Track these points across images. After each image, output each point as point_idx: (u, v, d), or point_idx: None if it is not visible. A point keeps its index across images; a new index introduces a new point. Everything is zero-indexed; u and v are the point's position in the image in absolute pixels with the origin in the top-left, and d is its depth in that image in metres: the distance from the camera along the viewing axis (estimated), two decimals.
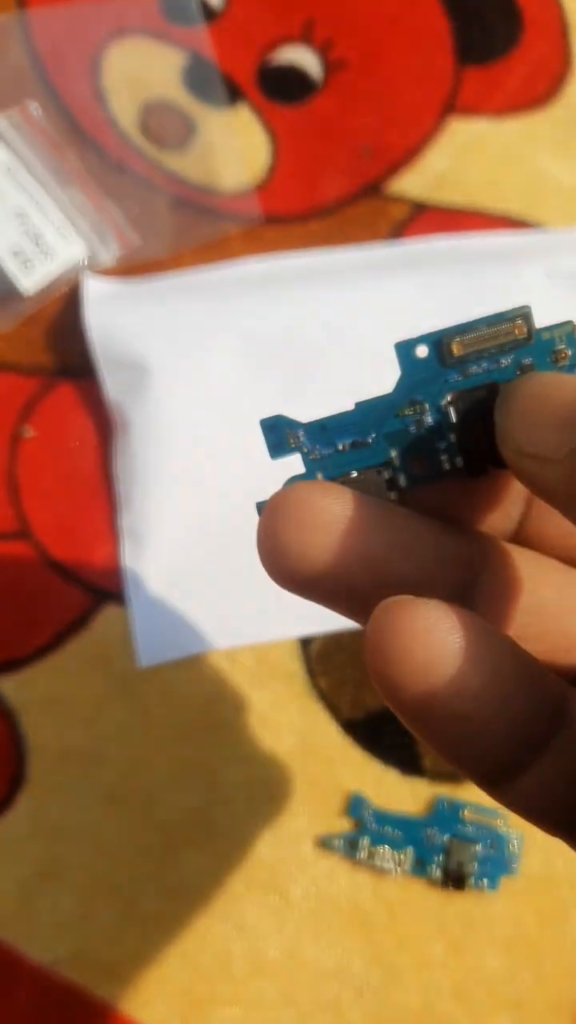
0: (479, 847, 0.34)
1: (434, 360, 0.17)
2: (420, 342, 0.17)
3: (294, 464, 0.17)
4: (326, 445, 0.17)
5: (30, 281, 0.37)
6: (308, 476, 0.17)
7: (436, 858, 0.34)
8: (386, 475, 0.17)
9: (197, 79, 0.40)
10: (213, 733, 0.35)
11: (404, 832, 0.35)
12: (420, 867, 0.34)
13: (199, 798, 0.34)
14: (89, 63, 0.40)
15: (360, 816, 0.35)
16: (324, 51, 0.41)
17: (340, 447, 0.17)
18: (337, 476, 0.17)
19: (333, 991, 0.34)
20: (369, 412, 0.17)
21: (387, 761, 0.35)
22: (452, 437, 0.17)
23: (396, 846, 0.34)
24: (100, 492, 0.36)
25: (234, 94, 0.40)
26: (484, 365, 0.17)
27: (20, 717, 0.35)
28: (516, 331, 0.16)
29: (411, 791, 0.35)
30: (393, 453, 0.17)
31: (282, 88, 0.40)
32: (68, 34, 0.41)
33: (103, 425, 0.37)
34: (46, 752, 0.34)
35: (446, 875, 0.34)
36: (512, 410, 0.15)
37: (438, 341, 0.16)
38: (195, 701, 0.35)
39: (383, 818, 0.35)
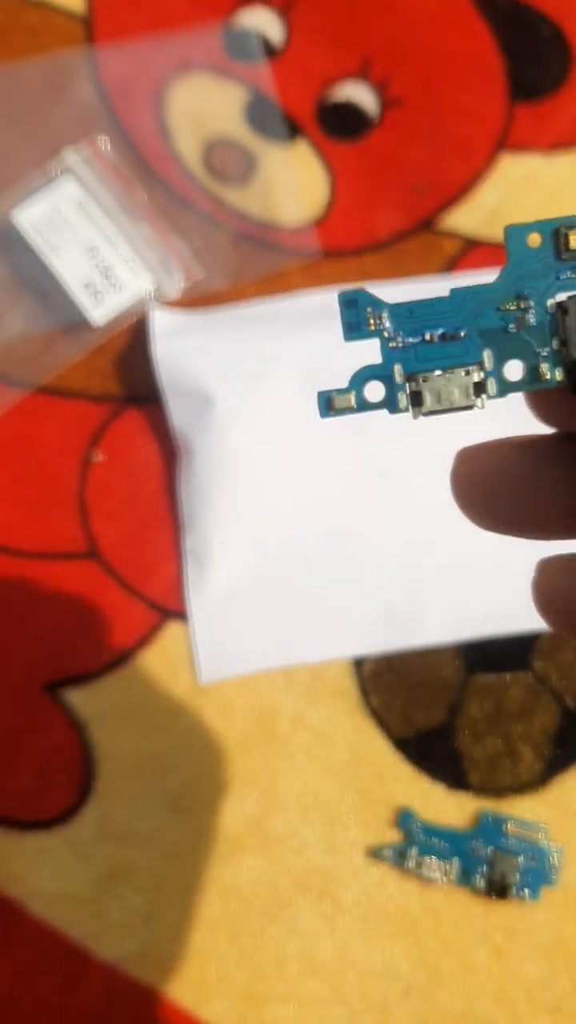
0: (521, 859, 0.36)
1: (549, 251, 0.15)
2: (534, 228, 0.15)
3: (368, 352, 0.15)
4: (412, 333, 0.15)
5: (100, 312, 0.39)
6: (386, 367, 0.15)
7: (480, 869, 0.36)
8: (475, 377, 0.15)
9: (258, 115, 0.42)
10: (270, 746, 0.37)
11: (450, 844, 0.36)
12: (465, 877, 0.36)
13: (257, 807, 0.36)
14: (154, 99, 0.42)
15: (409, 828, 0.36)
16: (381, 88, 0.42)
17: (427, 337, 0.15)
18: (419, 371, 0.15)
19: (381, 992, 0.36)
20: (466, 301, 0.15)
21: (435, 777, 0.37)
22: (555, 344, 0.15)
23: (442, 857, 0.36)
24: (164, 514, 0.38)
25: (294, 130, 0.42)
26: None
27: (90, 728, 0.37)
28: None
29: (457, 805, 0.37)
30: (487, 353, 0.15)
31: (340, 124, 0.42)
32: (134, 70, 0.42)
33: (168, 450, 0.39)
34: (114, 761, 0.37)
35: (490, 885, 0.36)
36: None
37: (556, 230, 0.15)
38: (253, 715, 0.37)
39: (431, 831, 0.36)
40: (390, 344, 0.15)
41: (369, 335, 0.15)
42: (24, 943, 0.35)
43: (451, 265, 0.41)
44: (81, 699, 0.37)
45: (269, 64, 0.42)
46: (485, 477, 0.17)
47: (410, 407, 0.15)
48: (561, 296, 0.15)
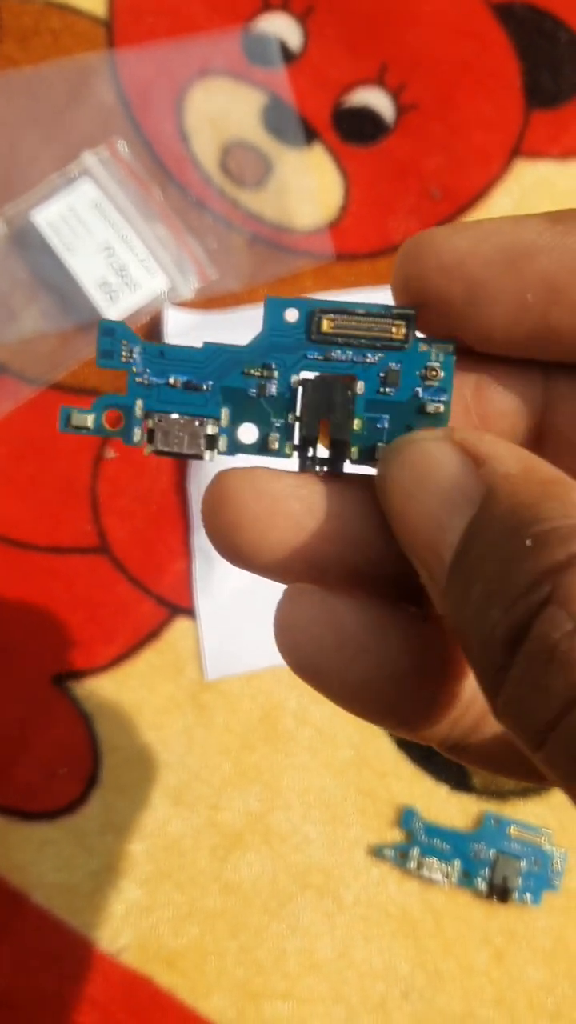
0: (524, 863, 0.36)
1: (301, 329, 0.15)
2: (293, 304, 0.16)
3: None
4: (158, 374, 0.16)
5: (115, 311, 0.39)
6: (129, 399, 0.16)
7: (482, 871, 0.36)
8: (209, 430, 0.16)
9: (275, 119, 0.42)
10: (274, 743, 0.37)
11: (452, 845, 0.36)
12: (467, 879, 0.36)
13: (259, 803, 0.37)
14: (174, 102, 0.43)
15: (411, 828, 0.36)
16: (397, 94, 0.42)
17: (171, 381, 0.16)
18: (156, 410, 0.16)
19: (380, 992, 0.36)
20: (215, 357, 0.16)
21: (438, 777, 0.37)
22: (290, 418, 0.16)
23: (444, 858, 0.36)
24: (175, 512, 0.39)
25: (310, 134, 0.42)
26: (349, 354, 0.15)
27: (95, 721, 0.37)
28: (394, 331, 0.15)
29: (460, 807, 0.37)
30: (224, 411, 0.16)
31: (356, 129, 0.42)
32: (154, 74, 0.43)
33: None
34: (118, 755, 0.37)
35: (491, 888, 0.36)
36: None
37: (311, 312, 0.15)
38: (258, 712, 0.37)
39: (433, 831, 0.36)
40: (137, 379, 0.16)
41: (120, 365, 0.16)
42: (26, 933, 0.36)
43: None
44: (88, 692, 0.37)
45: (287, 69, 0.43)
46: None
47: (144, 441, 0.16)
48: (305, 375, 0.15)
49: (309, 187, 0.42)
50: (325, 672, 0.15)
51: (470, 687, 0.16)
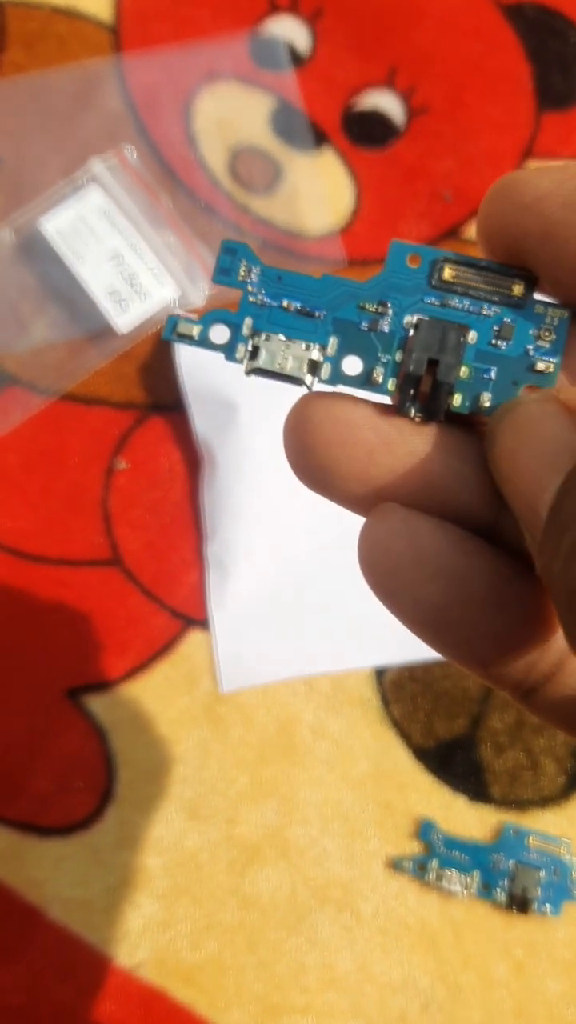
0: (543, 873, 0.36)
1: (423, 274, 0.16)
2: (418, 250, 0.16)
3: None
4: (273, 296, 0.16)
5: (124, 320, 0.39)
6: (238, 317, 0.16)
7: (501, 882, 0.36)
8: (314, 355, 0.16)
9: (284, 124, 0.42)
10: (291, 755, 0.37)
11: (471, 856, 0.36)
12: (486, 890, 0.36)
13: (276, 817, 0.36)
14: (181, 107, 0.42)
15: (430, 840, 0.36)
16: (407, 96, 0.42)
17: (285, 305, 0.16)
18: (264, 330, 0.16)
19: (400, 1005, 0.36)
20: (331, 288, 0.16)
21: (456, 788, 0.37)
22: (398, 356, 0.16)
23: (463, 869, 0.36)
24: (187, 522, 0.38)
25: (319, 138, 0.42)
26: (466, 304, 0.16)
27: (110, 735, 0.37)
28: (514, 288, 0.16)
29: (478, 817, 0.37)
30: (332, 340, 0.16)
31: (366, 132, 0.42)
32: (161, 79, 0.43)
33: (191, 458, 0.39)
34: (134, 768, 0.37)
35: (511, 899, 0.36)
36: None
37: (435, 260, 0.16)
38: (274, 724, 0.37)
39: (451, 842, 0.36)
40: (250, 299, 0.16)
41: (236, 283, 0.16)
42: (43, 948, 0.36)
43: None
44: (102, 705, 0.37)
45: (295, 72, 0.42)
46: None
47: (246, 359, 0.16)
48: (420, 317, 0.16)
49: (319, 191, 0.41)
50: (400, 591, 0.15)
51: (553, 633, 0.16)
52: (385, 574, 0.15)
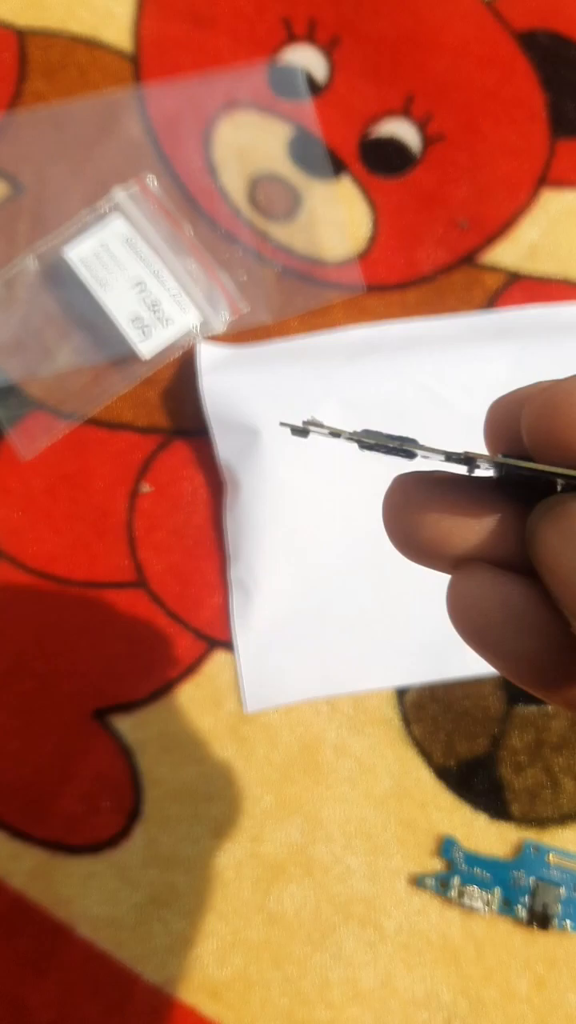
0: (563, 890, 0.37)
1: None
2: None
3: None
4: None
5: (148, 346, 0.40)
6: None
7: (522, 899, 0.37)
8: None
9: (302, 152, 0.43)
10: (314, 774, 0.37)
11: (492, 873, 0.37)
12: (507, 907, 0.37)
13: (300, 835, 0.37)
14: (201, 136, 0.43)
15: (451, 857, 0.37)
16: (423, 124, 0.43)
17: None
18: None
19: (423, 1020, 0.36)
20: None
21: (477, 806, 0.37)
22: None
23: (485, 886, 0.37)
24: (211, 545, 0.39)
25: (337, 166, 0.42)
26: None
27: (137, 755, 0.37)
28: None
29: (499, 835, 0.37)
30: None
31: (383, 160, 0.43)
32: (181, 107, 0.43)
33: (214, 482, 0.40)
34: (160, 788, 0.37)
35: (531, 915, 0.36)
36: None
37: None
38: (297, 744, 0.38)
39: (473, 860, 0.37)
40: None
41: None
42: (72, 966, 0.36)
43: (492, 299, 0.41)
44: (128, 726, 0.38)
45: (313, 101, 0.43)
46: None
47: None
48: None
49: (338, 219, 0.42)
50: (492, 643, 0.17)
51: None
52: (479, 630, 0.17)
